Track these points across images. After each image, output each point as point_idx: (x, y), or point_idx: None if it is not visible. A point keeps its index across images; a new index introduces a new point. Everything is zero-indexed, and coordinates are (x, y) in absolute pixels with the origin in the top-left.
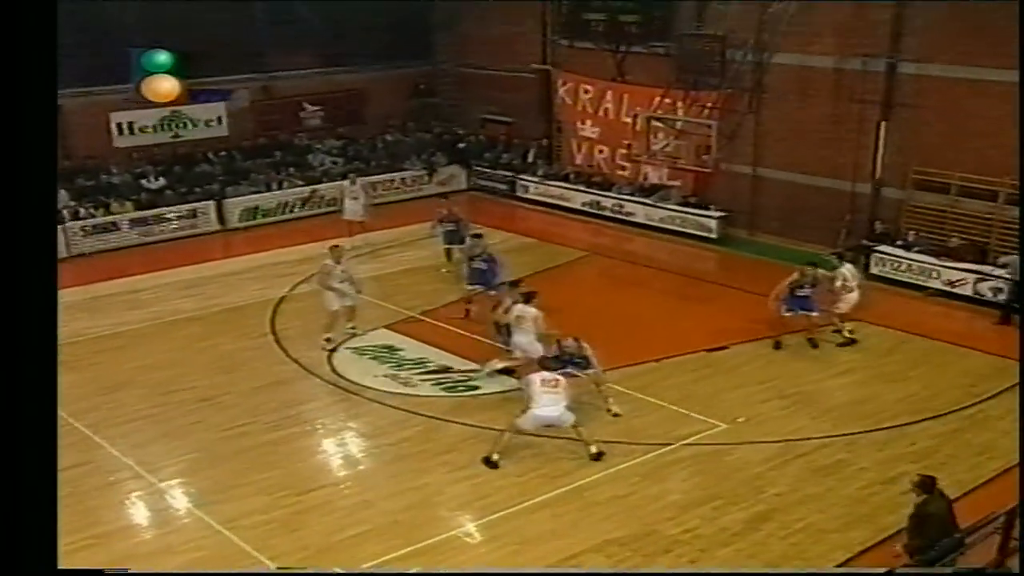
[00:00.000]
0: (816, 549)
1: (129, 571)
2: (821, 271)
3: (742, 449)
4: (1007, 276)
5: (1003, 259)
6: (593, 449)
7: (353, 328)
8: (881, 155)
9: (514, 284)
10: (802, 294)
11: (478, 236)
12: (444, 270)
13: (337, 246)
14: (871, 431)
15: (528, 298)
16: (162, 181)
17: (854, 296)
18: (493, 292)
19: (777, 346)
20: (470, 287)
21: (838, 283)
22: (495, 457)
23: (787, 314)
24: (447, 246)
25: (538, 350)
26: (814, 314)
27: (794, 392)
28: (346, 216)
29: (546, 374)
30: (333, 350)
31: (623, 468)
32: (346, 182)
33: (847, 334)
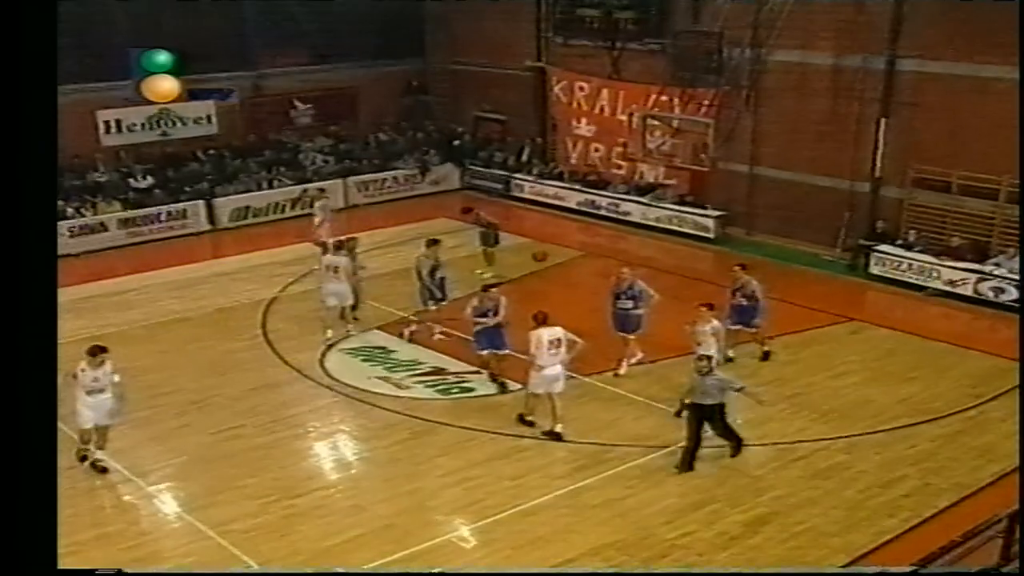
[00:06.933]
0: (816, 553)
1: (123, 571)
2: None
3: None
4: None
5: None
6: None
7: None
8: (881, 153)
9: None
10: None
11: (435, 242)
12: (479, 272)
13: None
14: (870, 433)
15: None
16: (150, 180)
17: None
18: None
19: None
20: (434, 305)
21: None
22: (529, 417)
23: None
24: (483, 247)
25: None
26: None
27: (792, 394)
28: None
29: (552, 332)
30: None
31: (619, 471)
32: None
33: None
